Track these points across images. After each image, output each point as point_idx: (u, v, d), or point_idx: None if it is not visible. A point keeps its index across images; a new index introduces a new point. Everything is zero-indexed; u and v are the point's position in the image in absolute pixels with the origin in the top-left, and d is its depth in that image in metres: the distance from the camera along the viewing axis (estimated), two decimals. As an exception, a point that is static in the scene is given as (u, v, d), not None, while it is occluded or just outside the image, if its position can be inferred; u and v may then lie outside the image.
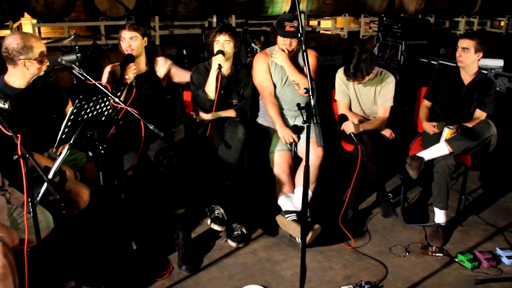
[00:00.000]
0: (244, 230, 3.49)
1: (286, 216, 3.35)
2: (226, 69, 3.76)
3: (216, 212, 3.46)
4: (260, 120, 3.99)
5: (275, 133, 3.76)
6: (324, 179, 3.72)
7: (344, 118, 3.64)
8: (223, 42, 3.66)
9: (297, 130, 3.73)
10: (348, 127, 3.61)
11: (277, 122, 3.76)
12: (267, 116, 3.92)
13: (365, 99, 3.91)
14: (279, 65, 3.84)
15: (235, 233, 3.45)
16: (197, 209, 3.75)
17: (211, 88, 3.65)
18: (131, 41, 3.52)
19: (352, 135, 3.60)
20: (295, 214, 3.35)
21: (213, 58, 3.62)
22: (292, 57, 3.87)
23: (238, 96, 3.87)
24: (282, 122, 3.76)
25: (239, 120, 3.61)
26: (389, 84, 3.84)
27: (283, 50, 3.78)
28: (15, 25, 6.66)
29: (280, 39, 3.77)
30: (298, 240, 3.36)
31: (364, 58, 3.59)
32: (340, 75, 3.93)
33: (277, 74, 3.87)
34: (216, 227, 3.39)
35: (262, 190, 3.91)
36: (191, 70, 3.84)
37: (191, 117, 3.87)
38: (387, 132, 3.88)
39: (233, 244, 3.41)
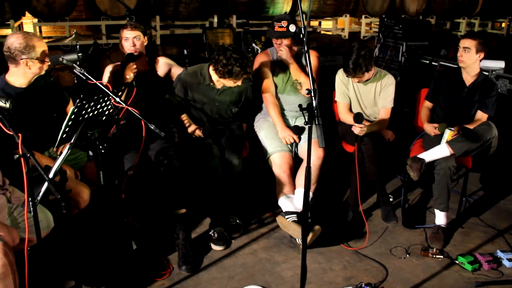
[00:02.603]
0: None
1: (286, 217, 3.35)
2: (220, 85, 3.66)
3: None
4: (261, 120, 3.98)
5: (275, 134, 3.75)
6: (325, 180, 3.72)
7: (360, 117, 3.52)
8: (236, 84, 3.51)
9: (297, 130, 3.73)
10: (360, 130, 3.54)
11: (278, 123, 3.76)
12: (268, 116, 3.91)
13: (365, 99, 3.91)
14: (281, 65, 3.85)
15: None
16: (198, 209, 3.75)
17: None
18: (134, 40, 3.52)
19: (356, 137, 3.59)
20: (295, 215, 3.34)
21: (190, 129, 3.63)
22: (294, 58, 3.87)
23: (236, 106, 3.81)
24: (282, 122, 3.76)
25: (235, 155, 3.57)
26: (390, 86, 3.83)
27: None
28: (16, 24, 6.65)
29: (273, 39, 3.80)
30: (299, 241, 3.35)
31: (363, 53, 3.59)
32: (340, 76, 3.93)
33: (279, 74, 3.87)
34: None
35: (263, 191, 3.90)
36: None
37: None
38: (387, 134, 3.88)
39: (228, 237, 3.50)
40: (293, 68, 3.77)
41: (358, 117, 3.48)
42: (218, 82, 3.58)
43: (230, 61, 3.36)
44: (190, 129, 3.62)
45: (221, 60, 3.38)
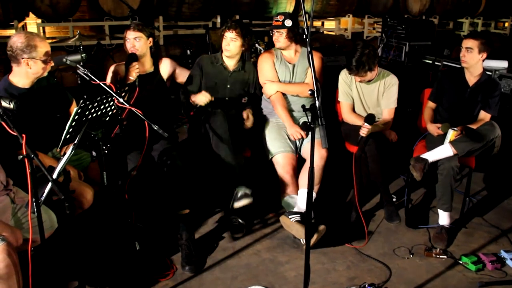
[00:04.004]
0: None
1: (290, 217, 3.34)
2: (232, 65, 3.83)
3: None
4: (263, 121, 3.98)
5: (279, 134, 3.75)
6: (328, 180, 3.72)
7: (371, 118, 3.53)
8: (229, 39, 3.70)
9: (306, 127, 3.72)
10: (367, 131, 3.54)
11: (286, 120, 3.79)
12: (271, 116, 3.92)
13: (369, 100, 3.90)
14: (284, 63, 3.87)
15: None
16: (201, 209, 3.76)
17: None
18: (135, 41, 3.52)
19: (361, 138, 3.59)
20: (298, 215, 3.34)
21: (199, 97, 3.66)
22: (296, 59, 3.88)
23: (247, 93, 3.90)
24: (290, 119, 3.78)
25: (219, 111, 3.65)
26: (393, 86, 3.83)
27: (276, 45, 3.92)
28: (20, 24, 6.67)
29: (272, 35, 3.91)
30: (302, 241, 3.35)
31: (367, 52, 3.59)
32: (343, 76, 3.93)
33: (282, 73, 3.89)
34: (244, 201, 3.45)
35: (266, 191, 3.90)
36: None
37: (194, 117, 3.87)
38: (391, 134, 3.87)
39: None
40: (291, 88, 3.88)
41: (370, 118, 3.47)
42: (229, 62, 3.81)
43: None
44: (197, 98, 3.68)
45: None
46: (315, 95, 2.35)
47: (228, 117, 3.66)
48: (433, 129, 3.73)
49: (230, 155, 3.49)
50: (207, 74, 3.83)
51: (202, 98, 3.65)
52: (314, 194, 3.56)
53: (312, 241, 3.12)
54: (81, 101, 2.40)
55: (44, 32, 7.31)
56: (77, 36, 5.51)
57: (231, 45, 3.71)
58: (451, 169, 3.40)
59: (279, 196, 3.60)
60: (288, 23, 3.75)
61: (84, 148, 3.21)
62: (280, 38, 3.82)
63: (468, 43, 3.62)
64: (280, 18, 3.77)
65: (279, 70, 3.88)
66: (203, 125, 3.63)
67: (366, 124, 3.50)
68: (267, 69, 3.88)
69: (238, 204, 3.41)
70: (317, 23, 9.38)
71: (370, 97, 3.89)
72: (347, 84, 3.91)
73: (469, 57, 3.63)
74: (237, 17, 7.66)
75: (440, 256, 3.29)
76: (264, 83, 3.88)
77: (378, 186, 3.82)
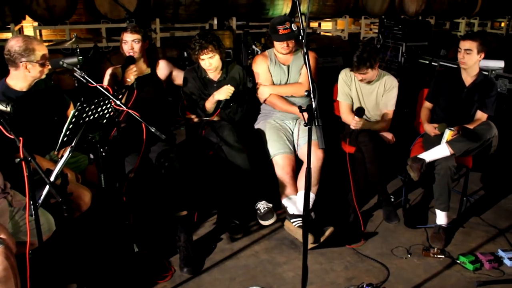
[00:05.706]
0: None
1: (292, 221, 3.35)
2: (215, 75, 3.79)
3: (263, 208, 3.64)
4: (261, 121, 3.98)
5: (277, 135, 3.76)
6: (326, 181, 3.72)
7: (361, 111, 3.53)
8: (207, 60, 3.64)
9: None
10: (356, 124, 3.56)
11: (292, 110, 3.83)
12: (269, 117, 3.92)
13: (368, 101, 3.91)
14: (279, 65, 3.88)
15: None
16: (199, 211, 3.76)
17: (210, 110, 3.74)
18: (133, 43, 3.52)
19: (353, 131, 3.59)
20: (301, 219, 3.34)
21: (222, 90, 3.61)
22: (290, 60, 3.89)
23: (241, 93, 3.86)
24: (294, 107, 3.80)
25: (225, 123, 3.67)
26: (393, 88, 3.84)
27: (282, 53, 3.85)
28: (17, 28, 6.67)
29: (276, 43, 3.80)
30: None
31: (368, 49, 3.62)
32: (343, 75, 3.94)
33: (277, 75, 3.89)
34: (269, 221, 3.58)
35: (264, 192, 3.90)
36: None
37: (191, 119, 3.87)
38: (388, 136, 3.88)
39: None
40: (285, 89, 3.88)
41: (359, 111, 3.49)
42: (212, 74, 3.73)
43: (192, 41, 3.66)
44: (220, 95, 3.65)
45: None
46: (312, 96, 2.35)
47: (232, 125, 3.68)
48: (430, 129, 3.73)
49: (247, 163, 3.54)
50: (193, 90, 3.77)
51: (225, 92, 3.60)
52: (314, 195, 3.57)
53: (320, 241, 3.22)
54: (78, 103, 2.40)
55: (40, 35, 7.31)
56: (73, 39, 5.51)
57: (212, 63, 3.65)
58: (448, 169, 3.41)
59: (277, 197, 3.60)
60: (295, 27, 3.72)
61: (81, 150, 3.20)
62: (290, 44, 3.79)
63: (466, 44, 3.60)
64: (287, 25, 3.69)
65: (274, 73, 3.89)
66: (213, 134, 3.65)
67: (356, 117, 3.52)
68: (261, 73, 3.89)
69: (266, 223, 3.56)
70: (314, 24, 9.39)
71: (369, 98, 3.89)
72: (347, 84, 3.91)
73: (468, 58, 3.62)
74: (234, 19, 7.66)
75: (438, 256, 3.30)
76: (258, 87, 3.89)
77: (376, 186, 3.82)
